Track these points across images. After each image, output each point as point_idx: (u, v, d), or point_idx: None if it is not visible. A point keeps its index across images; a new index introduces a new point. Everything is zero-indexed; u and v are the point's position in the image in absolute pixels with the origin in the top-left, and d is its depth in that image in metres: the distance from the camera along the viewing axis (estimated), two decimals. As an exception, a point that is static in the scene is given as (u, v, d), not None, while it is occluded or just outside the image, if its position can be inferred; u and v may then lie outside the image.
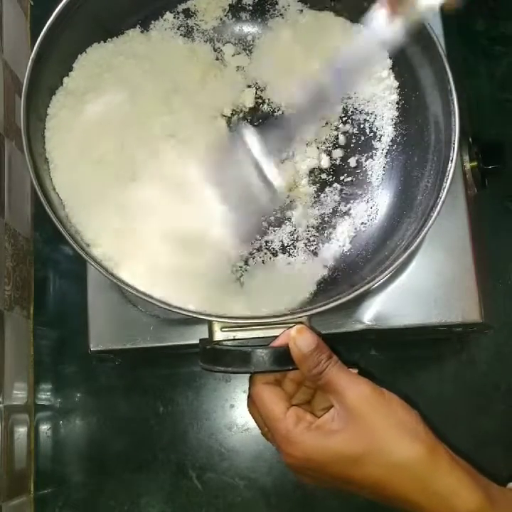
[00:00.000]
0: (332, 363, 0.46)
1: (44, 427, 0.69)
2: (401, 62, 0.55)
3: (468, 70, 0.73)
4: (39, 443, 0.68)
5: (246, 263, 0.56)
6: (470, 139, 0.58)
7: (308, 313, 0.48)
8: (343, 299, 0.47)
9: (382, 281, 0.48)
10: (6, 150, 0.66)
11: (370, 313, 0.57)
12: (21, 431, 0.66)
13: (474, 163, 0.58)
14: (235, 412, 0.68)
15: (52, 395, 0.69)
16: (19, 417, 0.65)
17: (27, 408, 0.68)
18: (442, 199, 0.48)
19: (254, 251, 0.56)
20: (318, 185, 0.58)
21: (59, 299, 0.71)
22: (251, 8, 0.60)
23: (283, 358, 0.46)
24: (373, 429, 0.44)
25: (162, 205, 0.54)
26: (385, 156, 0.58)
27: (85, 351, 0.58)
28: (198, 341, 0.50)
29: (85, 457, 0.68)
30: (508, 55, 0.74)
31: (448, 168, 0.49)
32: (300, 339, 0.46)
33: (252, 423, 0.66)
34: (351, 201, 0.58)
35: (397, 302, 0.57)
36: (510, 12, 0.75)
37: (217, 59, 0.60)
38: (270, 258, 0.56)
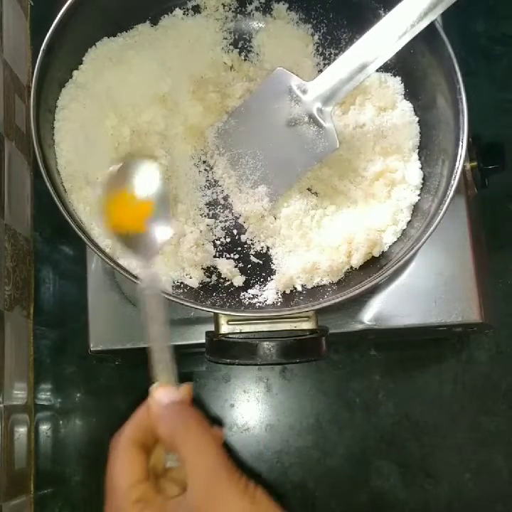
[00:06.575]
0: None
1: (44, 427, 0.69)
2: (408, 62, 0.55)
3: (468, 70, 0.73)
4: (39, 443, 0.68)
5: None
6: (470, 139, 0.57)
7: (312, 308, 0.48)
8: (345, 297, 0.47)
9: (383, 280, 0.48)
10: (5, 150, 0.66)
11: (371, 313, 0.57)
12: (21, 431, 0.66)
13: (474, 163, 0.58)
14: (235, 412, 0.68)
15: (52, 395, 0.69)
16: (19, 417, 0.65)
17: (27, 408, 0.68)
18: (450, 197, 0.48)
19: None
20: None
21: (59, 299, 0.71)
22: (259, 4, 0.61)
23: (289, 350, 0.46)
24: None
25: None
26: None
27: (85, 351, 0.58)
28: (197, 341, 0.50)
29: (85, 457, 0.68)
30: (508, 55, 0.74)
31: (456, 167, 0.49)
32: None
33: (252, 423, 0.67)
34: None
35: (397, 302, 0.57)
36: (510, 12, 0.75)
37: (225, 52, 0.60)
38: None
